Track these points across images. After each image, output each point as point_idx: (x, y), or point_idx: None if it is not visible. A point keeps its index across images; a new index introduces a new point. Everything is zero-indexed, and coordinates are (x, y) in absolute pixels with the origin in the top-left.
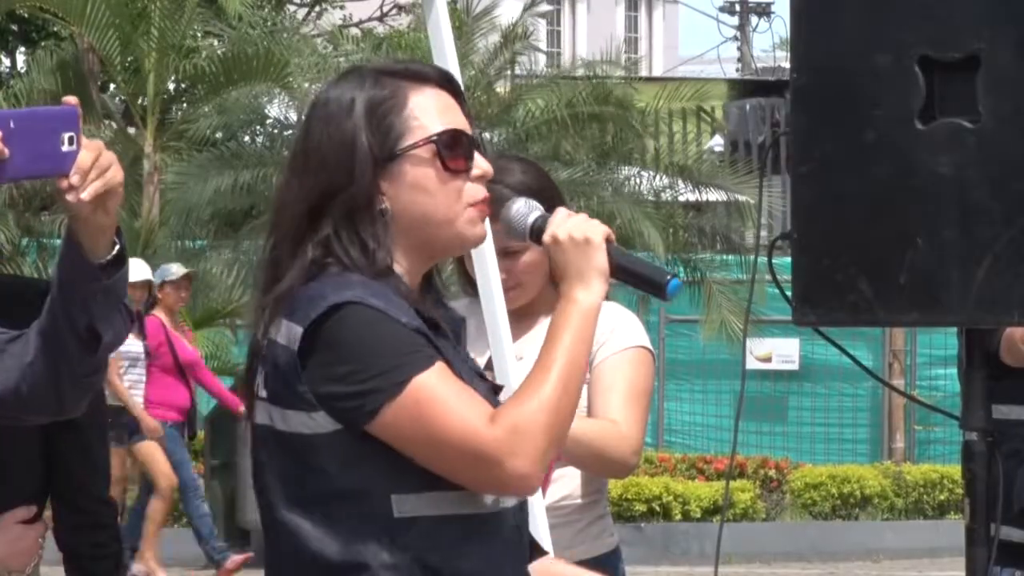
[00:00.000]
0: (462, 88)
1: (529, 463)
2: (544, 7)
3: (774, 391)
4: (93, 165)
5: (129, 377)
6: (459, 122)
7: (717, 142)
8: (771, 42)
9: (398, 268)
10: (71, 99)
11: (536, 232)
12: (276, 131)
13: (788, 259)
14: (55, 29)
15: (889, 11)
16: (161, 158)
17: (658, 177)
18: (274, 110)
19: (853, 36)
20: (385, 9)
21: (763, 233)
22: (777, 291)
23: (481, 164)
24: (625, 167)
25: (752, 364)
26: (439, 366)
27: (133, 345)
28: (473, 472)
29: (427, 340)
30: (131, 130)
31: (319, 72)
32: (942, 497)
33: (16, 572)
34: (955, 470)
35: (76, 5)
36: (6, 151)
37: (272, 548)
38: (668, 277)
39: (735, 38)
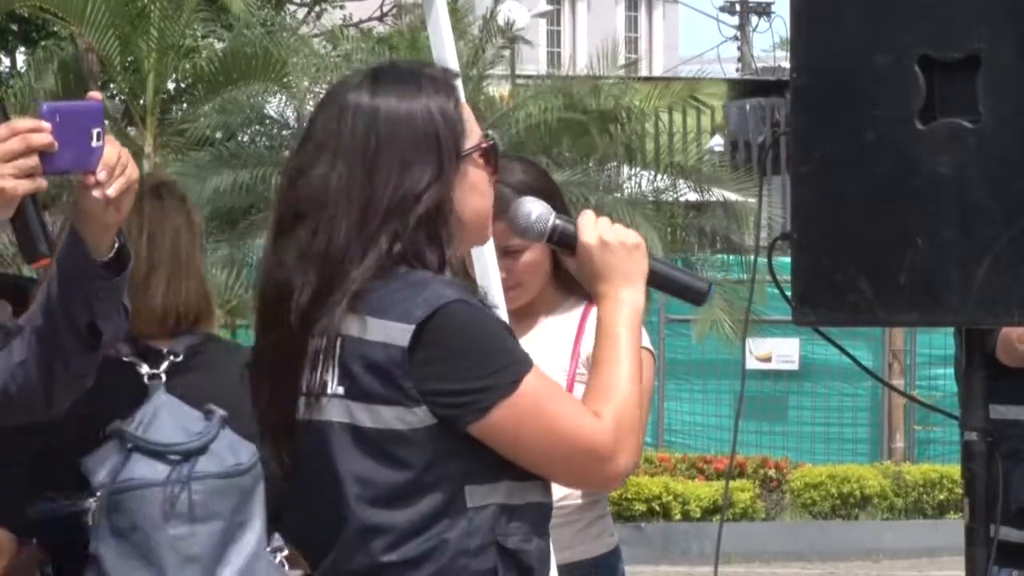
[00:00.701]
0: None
1: (632, 458)
2: (544, 7)
3: (774, 391)
4: (118, 161)
5: None
6: None
7: (717, 142)
8: (771, 42)
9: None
10: (96, 95)
11: (559, 235)
12: (275, 131)
13: (788, 259)
14: (55, 29)
15: (889, 11)
16: (161, 157)
17: (658, 177)
18: (273, 110)
19: (853, 36)
20: (385, 9)
21: (763, 233)
22: (777, 291)
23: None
24: (625, 167)
25: (752, 364)
26: (535, 365)
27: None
28: (582, 468)
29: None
30: (131, 130)
31: (318, 72)
32: (942, 497)
33: None
34: (955, 470)
35: (76, 5)
36: (55, 144)
37: (340, 543)
38: (703, 284)
39: (735, 38)
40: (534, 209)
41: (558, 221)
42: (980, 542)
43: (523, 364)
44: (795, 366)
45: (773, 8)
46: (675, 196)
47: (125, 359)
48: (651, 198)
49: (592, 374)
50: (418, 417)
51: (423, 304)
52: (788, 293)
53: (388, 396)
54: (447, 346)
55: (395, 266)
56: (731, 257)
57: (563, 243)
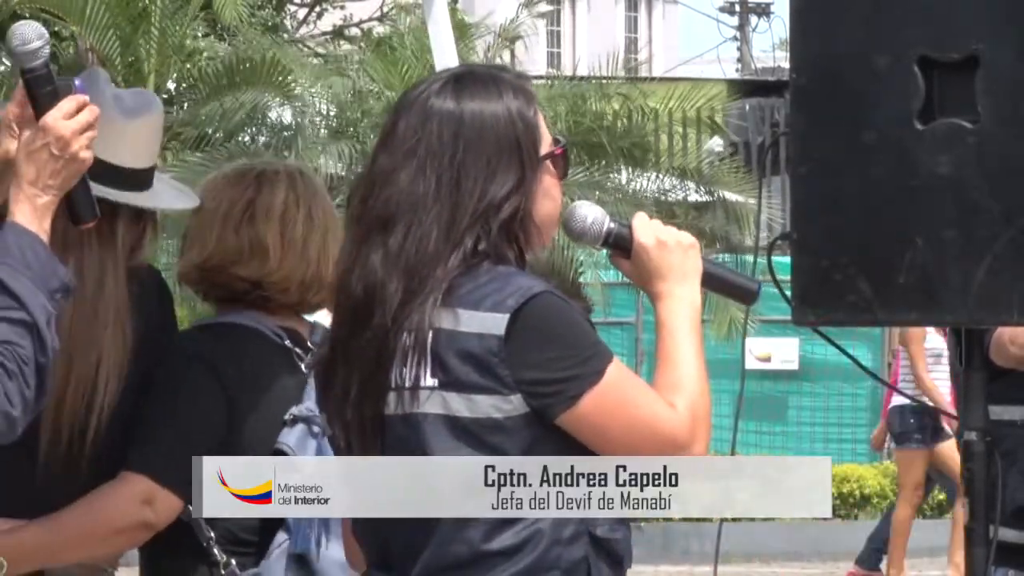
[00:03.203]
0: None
1: (704, 447)
2: (544, 7)
3: (774, 391)
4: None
5: None
6: None
7: (716, 142)
8: (771, 42)
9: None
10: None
11: (615, 237)
12: (275, 132)
13: (788, 259)
14: (56, 29)
15: (889, 11)
16: (161, 158)
17: (659, 179)
18: (273, 113)
19: (853, 36)
20: (385, 9)
21: (763, 233)
22: (777, 291)
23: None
24: (628, 169)
25: (752, 364)
26: (616, 357)
27: None
28: (658, 455)
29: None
30: None
31: (318, 76)
32: (941, 497)
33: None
34: None
35: (76, 5)
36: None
37: (439, 533)
38: (753, 284)
39: (735, 38)
40: (589, 213)
41: (613, 224)
42: (980, 542)
43: (607, 355)
44: (795, 366)
45: (773, 8)
46: (675, 196)
47: (286, 343)
48: (652, 198)
49: (659, 369)
50: (513, 405)
51: (516, 294)
52: (788, 293)
53: (485, 385)
54: (540, 335)
55: (480, 263)
56: (731, 257)
57: (618, 245)
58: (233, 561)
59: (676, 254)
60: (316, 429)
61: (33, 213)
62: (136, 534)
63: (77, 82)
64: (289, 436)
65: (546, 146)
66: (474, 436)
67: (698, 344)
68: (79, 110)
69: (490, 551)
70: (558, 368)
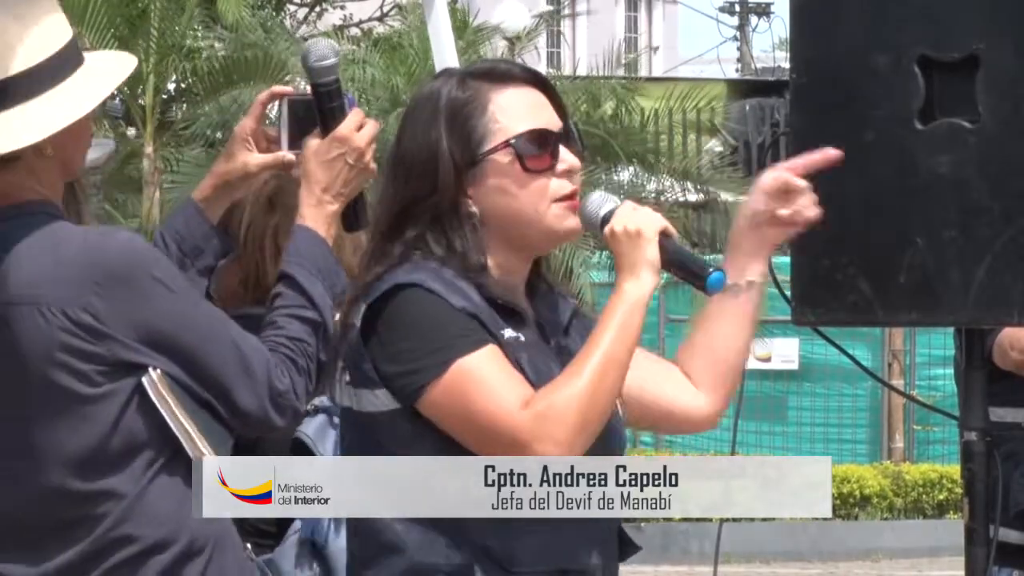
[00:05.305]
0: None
1: (555, 449)
2: (543, 7)
3: (774, 391)
4: None
5: None
6: (544, 119)
7: (716, 142)
8: (771, 42)
9: (492, 264)
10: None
11: (605, 224)
12: None
13: (788, 259)
14: None
15: (888, 11)
16: (161, 158)
17: (659, 179)
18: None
19: (853, 36)
20: (385, 9)
21: None
22: (776, 291)
23: (567, 159)
24: (628, 169)
25: (752, 364)
26: (488, 349)
27: None
28: (503, 454)
29: (480, 324)
30: (131, 130)
31: None
32: (941, 497)
33: None
34: (954, 470)
35: (76, 5)
36: None
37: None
38: (711, 270)
39: (735, 38)
40: (595, 200)
41: (607, 212)
42: (980, 542)
43: (461, 348)
44: (795, 366)
45: (773, 8)
46: (676, 196)
47: None
48: (652, 198)
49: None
50: (381, 400)
51: (376, 288)
52: (788, 293)
53: (362, 379)
54: (393, 327)
55: (408, 257)
56: None
57: None
58: (248, 546)
59: (622, 244)
60: (336, 420)
61: (324, 219)
62: None
63: (350, 96)
64: (309, 426)
65: (495, 141)
66: (365, 430)
67: (613, 341)
68: (363, 124)
69: None
70: (406, 360)
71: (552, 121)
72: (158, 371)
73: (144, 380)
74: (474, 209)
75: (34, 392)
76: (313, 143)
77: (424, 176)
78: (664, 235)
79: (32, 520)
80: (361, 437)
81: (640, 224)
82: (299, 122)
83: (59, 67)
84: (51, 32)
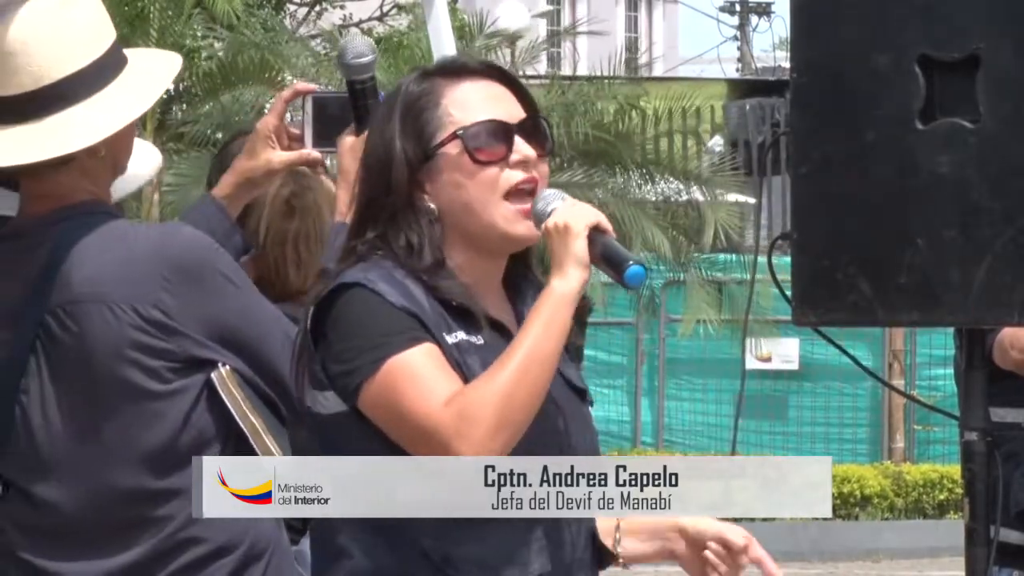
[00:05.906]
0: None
1: (473, 448)
2: (544, 7)
3: (774, 391)
4: None
5: None
6: (501, 111)
7: (717, 142)
8: (771, 42)
9: (454, 264)
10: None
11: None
12: None
13: (788, 259)
14: None
15: (889, 11)
16: (161, 158)
17: (659, 180)
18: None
19: (853, 36)
20: (385, 9)
21: (763, 233)
22: (777, 291)
23: (522, 149)
24: (628, 169)
25: (752, 364)
26: (423, 347)
27: None
28: (426, 452)
29: (420, 323)
30: None
31: (317, 73)
32: (942, 497)
33: None
34: (955, 470)
35: None
36: None
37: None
38: (629, 263)
39: (735, 38)
40: (542, 198)
41: (549, 210)
42: (980, 542)
43: (395, 346)
44: (795, 366)
45: (773, 8)
46: (676, 196)
47: None
48: (653, 198)
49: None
50: (330, 401)
51: (328, 287)
52: (788, 293)
53: (315, 380)
54: (335, 328)
55: (369, 255)
56: (732, 257)
57: None
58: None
59: (554, 240)
60: None
61: None
62: None
63: (381, 94)
64: None
65: (445, 134)
66: (324, 432)
67: (536, 339)
68: None
69: None
70: (344, 360)
71: (510, 113)
72: (227, 367)
73: (213, 376)
74: (431, 205)
75: (103, 390)
76: (348, 140)
77: (380, 174)
78: (598, 230)
79: (98, 519)
80: (322, 439)
81: (569, 220)
82: (323, 119)
83: (108, 67)
84: (100, 32)
